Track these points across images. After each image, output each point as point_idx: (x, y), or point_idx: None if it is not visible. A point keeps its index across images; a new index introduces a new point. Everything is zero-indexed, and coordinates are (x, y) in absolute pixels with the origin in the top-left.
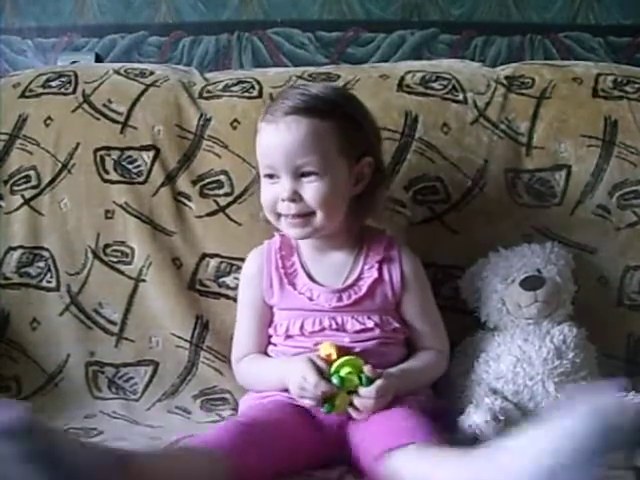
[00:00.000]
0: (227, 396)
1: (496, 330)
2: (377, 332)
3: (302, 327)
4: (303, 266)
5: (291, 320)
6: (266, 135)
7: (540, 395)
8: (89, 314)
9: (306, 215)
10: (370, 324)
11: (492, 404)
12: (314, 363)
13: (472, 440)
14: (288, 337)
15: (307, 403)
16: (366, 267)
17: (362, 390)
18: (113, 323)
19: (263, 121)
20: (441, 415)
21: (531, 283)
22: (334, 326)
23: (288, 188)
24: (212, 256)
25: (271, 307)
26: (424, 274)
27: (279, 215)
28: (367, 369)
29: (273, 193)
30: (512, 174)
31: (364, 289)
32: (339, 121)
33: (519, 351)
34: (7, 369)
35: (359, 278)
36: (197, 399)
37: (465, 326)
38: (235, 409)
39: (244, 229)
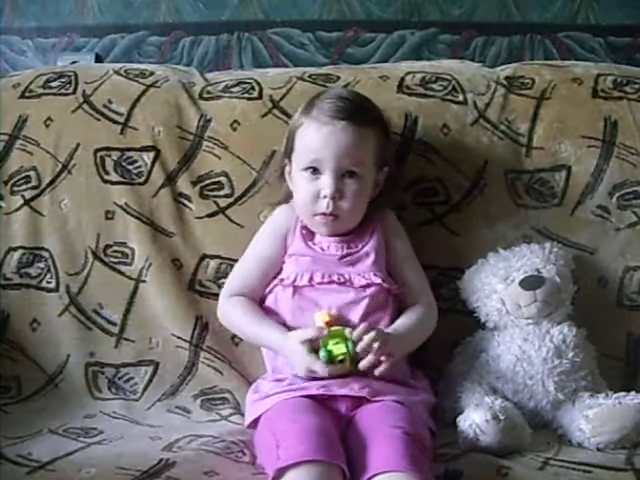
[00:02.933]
0: (227, 395)
1: (496, 330)
2: (382, 288)
3: (311, 279)
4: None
5: (299, 273)
6: (318, 133)
7: (540, 394)
8: (89, 315)
9: (338, 215)
10: (377, 280)
11: (492, 403)
12: (309, 346)
13: (472, 440)
14: (295, 289)
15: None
16: (365, 239)
17: (358, 348)
18: (113, 324)
19: (310, 118)
20: (441, 414)
21: (530, 283)
22: (341, 280)
23: (332, 185)
24: (212, 257)
25: (283, 255)
26: (402, 228)
27: (315, 213)
28: (349, 332)
29: (314, 188)
30: (512, 175)
31: (367, 248)
32: (378, 131)
33: (519, 351)
34: (7, 369)
35: (362, 247)
36: (197, 399)
37: (465, 326)
38: (235, 408)
39: (244, 230)
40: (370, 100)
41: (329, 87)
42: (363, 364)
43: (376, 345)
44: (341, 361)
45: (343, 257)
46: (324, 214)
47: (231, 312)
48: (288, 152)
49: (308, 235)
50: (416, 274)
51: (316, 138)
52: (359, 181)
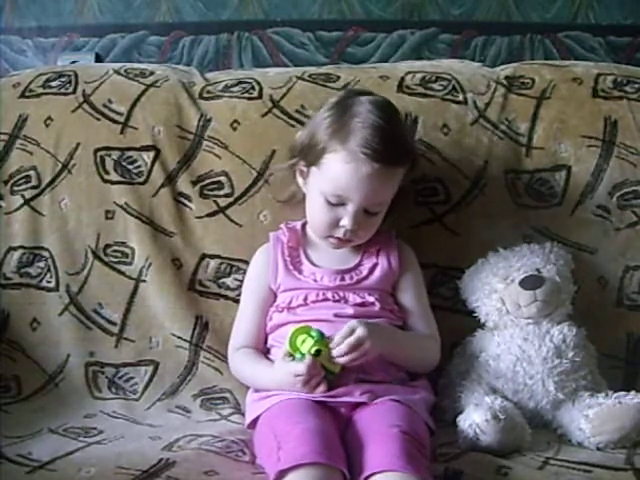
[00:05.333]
0: (227, 395)
1: (496, 330)
2: (377, 307)
3: (305, 298)
4: (308, 258)
5: (294, 296)
6: (352, 173)
7: (540, 394)
8: (89, 314)
9: (353, 240)
10: (371, 299)
11: (492, 403)
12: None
13: (472, 439)
14: (290, 309)
15: (322, 390)
16: (365, 255)
17: (332, 344)
18: (113, 323)
19: (345, 148)
20: (441, 414)
21: (530, 282)
22: (336, 297)
23: (353, 220)
24: (212, 257)
25: (275, 295)
26: (418, 265)
27: (330, 236)
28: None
29: (333, 217)
30: (512, 175)
31: (365, 272)
32: (407, 164)
33: (519, 350)
34: (7, 369)
35: (360, 264)
36: (197, 398)
37: (465, 326)
38: (235, 408)
39: (244, 230)
40: (401, 120)
41: (361, 97)
42: (336, 352)
43: (353, 344)
44: (318, 353)
45: (336, 287)
46: (339, 239)
47: (239, 367)
48: (310, 159)
49: (295, 266)
50: (424, 308)
51: (348, 177)
52: (379, 215)
